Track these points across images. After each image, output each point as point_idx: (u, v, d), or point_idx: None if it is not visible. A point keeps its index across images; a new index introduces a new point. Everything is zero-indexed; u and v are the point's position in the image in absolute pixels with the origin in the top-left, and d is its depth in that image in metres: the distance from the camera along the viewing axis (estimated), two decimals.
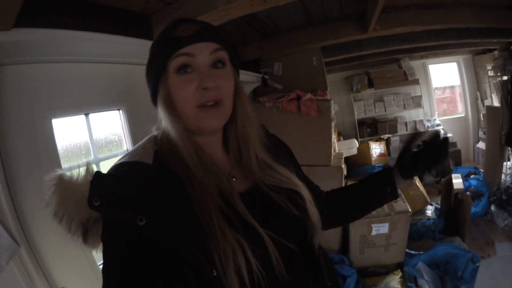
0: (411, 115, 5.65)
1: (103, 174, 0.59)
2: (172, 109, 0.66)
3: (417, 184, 3.35)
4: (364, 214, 0.97)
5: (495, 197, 3.46)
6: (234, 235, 0.57)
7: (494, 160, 3.84)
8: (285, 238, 0.64)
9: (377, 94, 5.65)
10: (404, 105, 5.48)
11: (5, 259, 1.04)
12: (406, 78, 5.42)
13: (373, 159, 5.08)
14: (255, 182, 0.72)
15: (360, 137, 5.61)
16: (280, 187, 0.72)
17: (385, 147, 5.33)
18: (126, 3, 1.58)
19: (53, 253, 1.27)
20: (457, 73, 5.66)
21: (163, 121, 0.68)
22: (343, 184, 2.90)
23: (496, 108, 3.95)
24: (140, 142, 0.70)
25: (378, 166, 4.95)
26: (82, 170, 0.61)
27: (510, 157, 3.77)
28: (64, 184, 0.59)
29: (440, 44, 3.80)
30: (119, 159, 0.64)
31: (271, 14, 2.46)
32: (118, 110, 1.94)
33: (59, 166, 1.45)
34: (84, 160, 0.64)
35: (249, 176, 0.73)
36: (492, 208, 3.35)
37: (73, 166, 0.64)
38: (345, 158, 4.70)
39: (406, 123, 5.55)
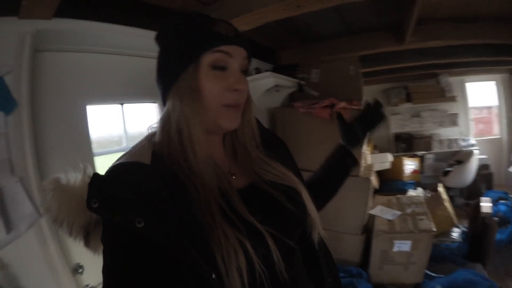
0: (447, 133, 5.35)
1: (101, 175, 0.58)
2: (199, 102, 0.64)
3: (446, 204, 3.20)
4: (336, 192, 1.01)
5: None
6: (235, 235, 0.56)
7: None
8: (285, 234, 0.63)
9: (414, 109, 5.42)
10: (440, 122, 5.23)
11: (25, 226, 1.12)
12: (444, 95, 5.16)
13: (405, 175, 4.86)
14: (253, 178, 0.72)
15: (395, 152, 5.37)
16: (277, 183, 0.71)
17: (419, 164, 5.11)
18: (165, 2, 1.66)
19: None
20: (495, 92, 5.30)
21: (176, 113, 0.64)
22: (371, 197, 2.82)
23: None
24: (139, 141, 0.68)
25: (409, 183, 4.71)
26: (79, 173, 0.61)
27: None
28: (62, 188, 0.59)
29: (477, 61, 3.66)
30: (117, 160, 0.62)
31: (309, 20, 2.48)
32: (154, 102, 2.02)
33: (90, 149, 1.56)
34: (84, 163, 0.64)
35: (247, 172, 0.73)
36: None
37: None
38: (378, 172, 4.54)
39: (441, 141, 5.29)
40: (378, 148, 5.24)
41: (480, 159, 4.81)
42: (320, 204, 0.92)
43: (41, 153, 1.26)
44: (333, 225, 2.59)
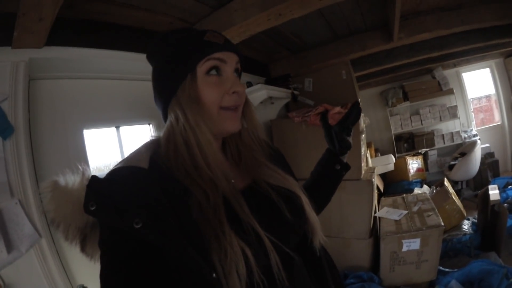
0: (448, 127, 5.37)
1: (99, 178, 0.57)
2: (201, 109, 0.66)
3: (453, 198, 3.15)
4: (330, 198, 1.01)
5: None
6: (239, 243, 0.56)
7: None
8: (284, 241, 0.63)
9: (413, 107, 5.47)
10: (440, 117, 5.24)
11: (25, 246, 1.15)
12: (441, 89, 5.19)
13: (410, 174, 4.83)
14: (251, 181, 0.73)
15: (397, 153, 5.41)
16: (278, 186, 0.72)
17: (422, 161, 5.08)
18: (152, 25, 1.72)
19: (76, 250, 1.36)
20: (490, 79, 5.30)
21: (180, 124, 0.66)
22: (375, 200, 2.79)
23: None
24: (136, 149, 0.69)
25: (415, 182, 4.69)
26: (78, 176, 0.61)
27: None
28: (60, 190, 0.59)
29: (469, 49, 3.66)
30: (115, 165, 0.62)
31: (296, 30, 2.52)
32: (149, 124, 2.06)
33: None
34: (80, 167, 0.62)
35: (247, 176, 0.74)
36: None
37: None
38: (382, 175, 4.57)
39: (443, 135, 5.29)
40: (380, 151, 5.27)
41: (484, 148, 4.80)
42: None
43: (40, 175, 1.29)
44: (339, 232, 2.59)
